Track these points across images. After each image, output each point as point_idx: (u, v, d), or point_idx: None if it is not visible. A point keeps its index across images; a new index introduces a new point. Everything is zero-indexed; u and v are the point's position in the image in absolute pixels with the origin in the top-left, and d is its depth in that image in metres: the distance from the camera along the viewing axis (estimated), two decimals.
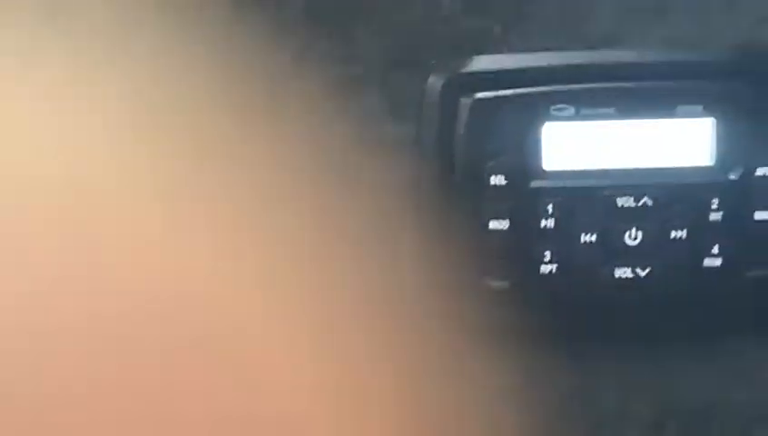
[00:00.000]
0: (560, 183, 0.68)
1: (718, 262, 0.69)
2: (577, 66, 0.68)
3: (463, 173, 0.68)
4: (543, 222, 0.68)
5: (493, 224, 0.68)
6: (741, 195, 0.68)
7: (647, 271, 0.68)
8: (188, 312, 0.29)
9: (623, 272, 0.68)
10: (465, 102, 0.67)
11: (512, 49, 0.68)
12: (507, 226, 0.68)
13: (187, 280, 0.30)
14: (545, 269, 0.68)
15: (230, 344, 0.30)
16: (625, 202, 0.68)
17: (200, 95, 0.36)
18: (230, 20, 0.66)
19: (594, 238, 0.68)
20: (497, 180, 0.67)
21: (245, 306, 0.32)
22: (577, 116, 0.67)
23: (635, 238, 0.68)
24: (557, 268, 0.68)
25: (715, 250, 0.68)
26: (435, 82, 0.67)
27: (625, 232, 0.68)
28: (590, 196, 0.68)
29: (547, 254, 0.68)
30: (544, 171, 0.68)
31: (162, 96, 0.34)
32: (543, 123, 0.67)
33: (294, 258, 0.34)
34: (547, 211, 0.68)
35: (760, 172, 0.68)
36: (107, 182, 0.30)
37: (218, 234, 0.32)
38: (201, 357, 0.29)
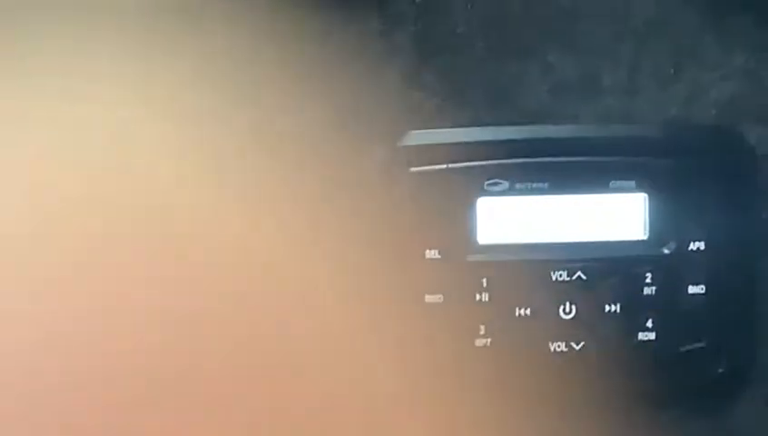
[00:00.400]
0: (494, 257, 0.68)
1: (652, 335, 0.69)
2: (511, 141, 0.69)
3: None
4: (477, 296, 0.68)
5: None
6: (674, 269, 0.69)
7: (581, 344, 0.69)
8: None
9: (557, 346, 0.69)
10: (400, 176, 0.68)
11: (447, 124, 0.69)
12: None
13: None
14: (479, 342, 0.68)
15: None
16: (559, 276, 0.68)
17: None
18: None
19: (528, 312, 0.68)
20: (432, 254, 0.67)
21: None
22: (511, 191, 0.68)
23: (570, 312, 0.68)
24: (492, 342, 0.68)
25: (649, 324, 0.69)
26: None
27: (559, 306, 0.68)
28: (524, 270, 0.68)
29: (482, 328, 0.68)
30: (478, 245, 0.68)
31: None
32: (477, 197, 0.68)
33: None
34: (482, 284, 0.68)
35: (693, 246, 0.69)
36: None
37: None
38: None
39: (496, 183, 0.68)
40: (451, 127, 0.69)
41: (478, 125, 0.69)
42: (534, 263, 0.68)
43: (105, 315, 0.30)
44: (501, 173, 0.68)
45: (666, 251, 0.69)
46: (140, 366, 0.30)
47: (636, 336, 0.69)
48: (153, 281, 0.31)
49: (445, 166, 0.68)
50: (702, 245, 0.69)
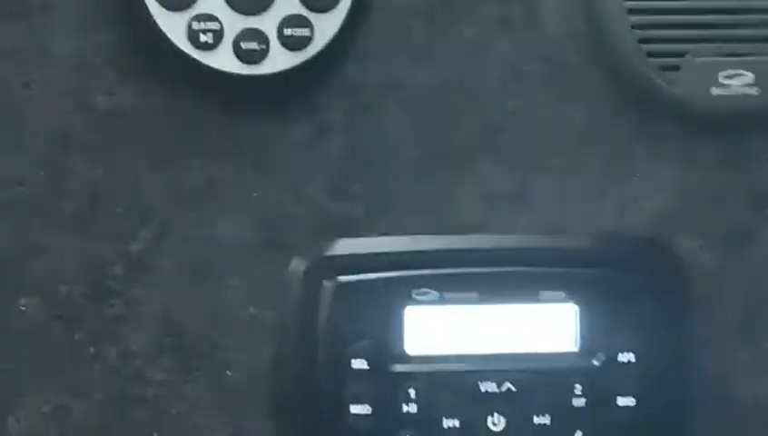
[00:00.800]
0: (422, 368, 0.68)
1: None
2: (440, 251, 0.69)
3: (325, 357, 0.68)
4: (405, 407, 0.68)
5: (354, 409, 0.67)
6: (604, 381, 0.69)
7: None
8: None
9: None
10: (327, 285, 0.68)
11: (375, 233, 0.69)
12: (368, 411, 0.67)
13: None
14: None
15: None
16: (487, 387, 0.68)
17: None
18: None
19: (457, 423, 0.68)
20: (359, 363, 0.67)
21: None
22: (440, 301, 0.68)
23: (498, 423, 0.68)
24: None
25: (579, 435, 0.69)
26: (298, 265, 0.68)
27: (487, 418, 0.68)
28: (453, 381, 0.68)
29: None
30: (406, 355, 0.68)
31: None
32: (405, 306, 0.68)
33: None
34: (409, 395, 0.68)
35: (623, 357, 0.69)
36: None
37: None
38: None
39: (425, 293, 0.68)
40: (379, 236, 0.69)
41: (407, 234, 0.69)
42: (463, 374, 0.68)
43: None
44: (430, 282, 0.68)
45: (596, 362, 0.69)
46: None
47: None
48: None
49: (374, 276, 0.68)
50: (632, 357, 0.69)
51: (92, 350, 0.67)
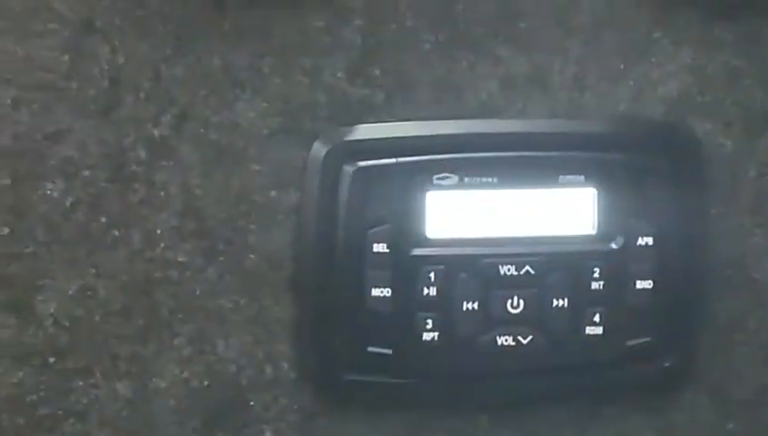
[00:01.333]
0: (442, 251, 0.68)
1: (599, 330, 0.69)
2: (460, 136, 0.69)
3: (345, 241, 0.68)
4: (425, 290, 0.68)
5: (374, 292, 0.68)
6: (622, 264, 0.69)
7: (529, 338, 0.69)
8: None
9: (504, 340, 0.69)
10: (347, 170, 0.68)
11: (396, 118, 0.69)
12: (389, 294, 0.68)
13: None
14: (427, 336, 0.68)
15: None
16: (506, 270, 0.68)
17: None
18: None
19: (476, 306, 0.68)
20: (380, 248, 0.68)
21: None
22: (460, 185, 0.68)
23: (517, 306, 0.69)
24: (439, 335, 0.68)
25: (596, 318, 0.69)
26: (318, 150, 0.68)
27: (506, 301, 0.69)
28: (472, 264, 0.68)
29: (429, 322, 0.68)
30: (426, 239, 0.68)
31: None
32: (426, 191, 0.68)
33: None
34: (429, 278, 0.68)
35: (641, 241, 0.69)
36: None
37: None
38: None
39: (445, 178, 0.68)
40: (399, 121, 0.69)
41: (427, 120, 0.69)
42: (482, 257, 0.68)
43: None
44: (450, 167, 0.68)
45: (615, 246, 0.69)
46: None
47: (584, 330, 0.69)
48: None
49: (394, 160, 0.68)
50: (650, 240, 0.69)
51: (115, 233, 0.68)
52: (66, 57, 0.66)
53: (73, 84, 0.66)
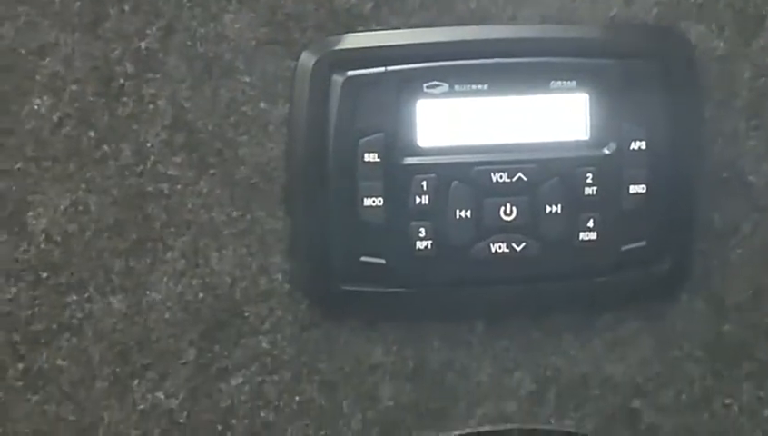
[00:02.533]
0: (434, 160, 0.68)
1: (593, 235, 0.69)
2: (450, 43, 0.68)
3: (336, 151, 0.68)
4: (417, 199, 0.68)
5: (367, 201, 0.68)
6: (615, 169, 0.69)
7: (523, 245, 0.69)
8: None
9: (498, 248, 0.69)
10: (337, 79, 0.67)
11: (384, 26, 0.68)
12: (381, 203, 0.68)
13: None
14: (420, 245, 0.68)
15: None
16: (499, 177, 0.68)
17: None
18: None
19: (469, 214, 0.68)
20: (371, 157, 0.67)
21: None
22: (451, 93, 0.68)
23: (510, 213, 0.69)
24: (433, 244, 0.68)
25: (590, 224, 0.69)
26: (307, 60, 0.67)
27: (499, 208, 0.68)
28: (464, 172, 0.68)
29: (422, 230, 0.68)
30: (418, 147, 0.68)
31: None
32: (416, 100, 0.68)
33: None
34: (422, 187, 0.68)
35: (634, 145, 0.69)
36: None
37: None
38: None
39: (435, 86, 0.68)
40: (388, 30, 0.68)
41: (416, 27, 0.69)
42: (474, 165, 0.68)
43: None
44: (440, 75, 0.68)
45: (607, 151, 0.69)
46: None
47: (578, 236, 0.69)
48: None
49: (383, 69, 0.67)
50: (643, 145, 0.69)
51: (105, 148, 0.67)
52: None
53: None
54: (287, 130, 0.68)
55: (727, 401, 0.75)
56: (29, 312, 0.68)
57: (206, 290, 0.70)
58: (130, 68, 0.67)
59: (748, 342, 0.74)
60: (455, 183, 0.68)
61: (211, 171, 0.68)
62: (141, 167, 0.68)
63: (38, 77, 0.66)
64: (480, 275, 0.70)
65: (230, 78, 0.68)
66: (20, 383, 0.69)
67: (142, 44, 0.67)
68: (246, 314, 0.70)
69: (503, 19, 0.69)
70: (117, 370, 0.70)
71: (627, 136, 0.69)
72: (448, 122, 0.68)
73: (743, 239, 0.73)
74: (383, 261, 0.69)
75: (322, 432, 0.72)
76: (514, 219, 0.69)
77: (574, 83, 0.69)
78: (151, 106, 0.67)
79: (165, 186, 0.68)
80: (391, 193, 0.68)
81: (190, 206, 0.68)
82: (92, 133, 0.67)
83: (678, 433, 0.74)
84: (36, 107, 0.66)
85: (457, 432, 0.73)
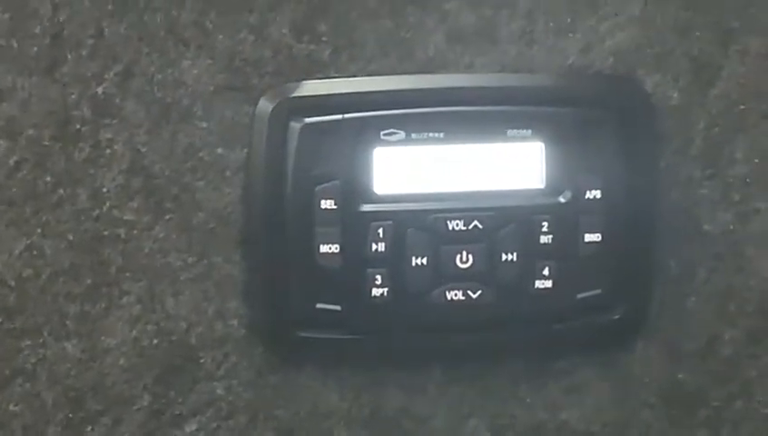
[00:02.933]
0: (391, 207, 0.69)
1: (549, 283, 0.70)
2: (407, 91, 0.69)
3: (293, 197, 0.69)
4: (374, 246, 0.68)
5: (323, 248, 0.68)
6: (570, 218, 0.70)
7: (479, 293, 0.70)
8: None
9: (454, 295, 0.69)
10: (294, 126, 0.68)
11: (342, 74, 0.69)
12: (337, 250, 0.68)
13: None
14: (376, 292, 0.69)
15: None
16: (455, 225, 0.69)
17: None
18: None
19: (425, 261, 0.69)
20: (328, 204, 0.68)
21: None
22: (407, 141, 0.69)
23: (466, 261, 0.69)
24: (389, 291, 0.69)
25: (546, 272, 0.70)
26: (265, 106, 0.68)
27: (456, 255, 0.69)
28: (421, 220, 0.69)
29: (379, 278, 0.69)
30: (375, 194, 0.69)
31: None
32: (373, 147, 0.68)
33: None
34: (378, 234, 0.68)
35: (589, 194, 0.70)
36: None
37: None
38: None
39: (392, 133, 0.69)
40: (346, 77, 0.69)
41: (374, 75, 0.69)
42: (431, 213, 0.69)
43: None
44: (397, 122, 0.68)
45: (563, 199, 0.70)
46: None
47: (533, 284, 0.70)
48: None
49: (340, 117, 0.68)
50: (598, 194, 0.70)
51: (61, 192, 0.68)
52: (7, 15, 0.66)
53: (15, 41, 0.66)
54: (244, 175, 0.69)
55: None
56: None
57: (161, 335, 0.70)
58: (87, 112, 0.67)
59: (703, 389, 0.75)
60: (411, 230, 0.69)
61: (168, 215, 0.69)
62: (97, 212, 0.68)
63: None
64: (436, 322, 0.70)
65: (187, 123, 0.68)
66: None
67: (100, 89, 0.67)
68: (201, 360, 0.70)
69: (461, 67, 0.70)
70: (71, 415, 0.70)
71: (583, 185, 0.70)
72: (404, 169, 0.69)
73: (699, 286, 0.74)
74: (338, 308, 0.69)
75: None
76: (470, 266, 0.69)
77: (530, 131, 0.69)
78: (108, 151, 0.68)
79: (121, 231, 0.69)
80: (348, 240, 0.68)
81: (146, 251, 0.69)
82: (48, 178, 0.67)
83: None
84: None
85: None
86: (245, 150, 0.69)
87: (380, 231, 0.69)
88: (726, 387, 0.75)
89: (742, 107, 0.72)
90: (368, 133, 0.68)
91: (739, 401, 0.75)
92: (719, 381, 0.75)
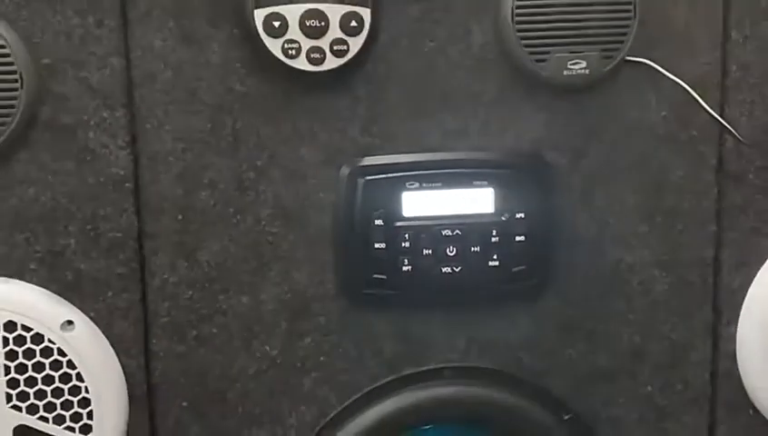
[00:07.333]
0: (412, 223, 1.13)
1: (497, 263, 1.15)
2: (420, 162, 1.15)
3: (360, 218, 1.13)
4: (403, 244, 1.14)
5: (377, 245, 1.14)
6: (508, 228, 1.15)
7: (459, 269, 1.15)
8: None
9: (446, 270, 1.15)
10: (360, 181, 1.12)
11: (386, 153, 1.13)
12: (384, 246, 1.14)
13: None
14: (405, 268, 1.15)
15: None
16: (446, 232, 1.15)
17: None
18: None
19: (430, 251, 1.15)
20: (379, 222, 1.13)
21: None
22: (421, 188, 1.14)
23: (452, 251, 1.15)
24: (412, 268, 1.15)
25: (495, 257, 1.16)
26: (344, 170, 1.12)
27: (446, 248, 1.15)
28: (428, 230, 1.14)
29: (406, 260, 1.15)
30: (404, 217, 1.14)
31: None
32: (402, 192, 1.14)
33: None
34: (405, 237, 1.14)
35: (518, 215, 1.15)
36: None
37: None
38: None
39: (412, 184, 1.14)
40: (387, 154, 1.13)
41: (402, 153, 1.14)
42: (433, 226, 1.13)
43: None
44: (415, 179, 1.14)
45: (504, 218, 1.15)
46: None
47: (488, 263, 1.15)
48: None
49: (384, 176, 1.13)
50: (523, 215, 1.15)
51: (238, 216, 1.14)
52: None
53: None
54: (334, 207, 1.13)
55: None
56: None
57: (291, 292, 1.17)
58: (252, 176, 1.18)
59: (576, 318, 1.17)
60: (423, 235, 1.13)
61: (296, 230, 1.15)
62: (258, 228, 1.15)
63: None
64: (438, 285, 1.15)
65: (304, 181, 1.11)
66: None
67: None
68: (312, 307, 1.16)
69: (449, 149, 1.13)
70: (246, 335, 1.13)
71: (514, 210, 1.14)
72: (419, 203, 1.14)
73: (584, 263, 1.17)
74: (385, 277, 1.15)
75: None
76: (454, 255, 1.14)
77: (486, 182, 1.13)
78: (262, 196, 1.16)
79: (271, 239, 1.15)
80: (389, 240, 1.13)
81: (284, 248, 1.16)
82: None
83: None
84: None
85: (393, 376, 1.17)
86: (335, 194, 1.12)
87: (407, 235, 1.13)
88: (591, 319, 1.20)
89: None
90: (399, 185, 1.13)
91: (602, 325, 1.20)
92: (587, 315, 1.20)
